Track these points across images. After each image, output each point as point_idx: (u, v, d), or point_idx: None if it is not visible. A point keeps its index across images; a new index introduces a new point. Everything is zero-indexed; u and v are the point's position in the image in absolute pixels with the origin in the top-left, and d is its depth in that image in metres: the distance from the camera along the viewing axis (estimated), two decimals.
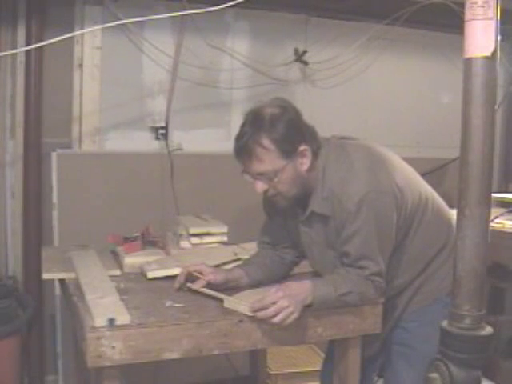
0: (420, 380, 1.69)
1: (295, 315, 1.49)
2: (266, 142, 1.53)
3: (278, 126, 1.54)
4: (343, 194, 1.57)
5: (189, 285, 1.68)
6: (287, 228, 1.82)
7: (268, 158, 1.54)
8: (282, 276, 1.83)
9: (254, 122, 1.55)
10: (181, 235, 2.08)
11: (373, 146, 1.70)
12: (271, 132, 1.53)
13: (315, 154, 1.61)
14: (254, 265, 1.79)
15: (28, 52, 2.46)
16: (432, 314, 1.73)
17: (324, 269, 1.75)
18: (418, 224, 1.71)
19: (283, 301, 1.47)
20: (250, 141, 1.53)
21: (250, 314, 1.49)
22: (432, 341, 1.73)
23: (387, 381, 1.87)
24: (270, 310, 1.46)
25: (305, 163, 1.58)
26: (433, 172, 3.02)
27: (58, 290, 2.51)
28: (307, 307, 1.55)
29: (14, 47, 2.46)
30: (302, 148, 1.56)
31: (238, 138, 1.57)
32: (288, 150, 1.55)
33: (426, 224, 1.72)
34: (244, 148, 1.55)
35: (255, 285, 1.73)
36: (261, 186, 1.58)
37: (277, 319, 1.46)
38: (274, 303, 1.47)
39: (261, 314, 1.47)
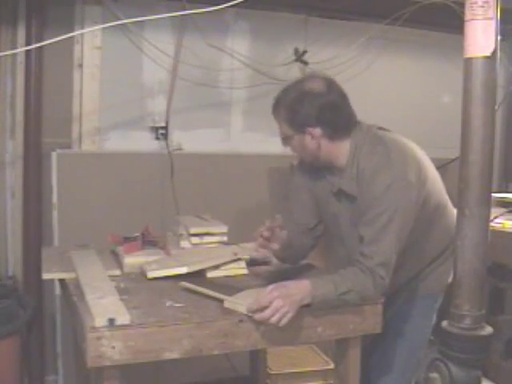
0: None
1: (290, 315, 1.49)
2: (281, 110, 1.72)
3: (296, 102, 1.68)
4: (374, 179, 1.64)
5: (182, 283, 1.69)
6: (316, 198, 1.87)
7: (281, 123, 1.73)
8: (303, 256, 1.93)
9: (285, 92, 1.73)
10: (181, 235, 2.07)
11: (408, 143, 1.78)
12: (288, 105, 1.70)
13: (331, 139, 1.70)
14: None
15: (28, 52, 2.46)
16: (423, 310, 1.87)
17: (348, 241, 1.79)
18: (436, 222, 1.80)
19: (278, 301, 1.47)
20: (274, 104, 1.74)
21: (250, 314, 1.49)
22: (420, 329, 1.90)
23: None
24: (267, 312, 1.47)
25: (312, 143, 1.70)
26: None
27: (58, 290, 2.51)
28: (306, 306, 1.55)
29: (14, 47, 2.46)
30: (310, 129, 1.68)
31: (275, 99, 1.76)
32: (296, 125, 1.69)
33: (441, 224, 1.81)
34: (273, 108, 1.75)
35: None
36: (283, 143, 1.79)
37: (273, 320, 1.47)
38: (270, 303, 1.47)
39: (257, 316, 1.48)
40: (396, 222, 1.61)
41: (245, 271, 1.90)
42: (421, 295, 1.87)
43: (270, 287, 1.52)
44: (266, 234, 1.68)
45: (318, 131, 1.68)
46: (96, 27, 2.54)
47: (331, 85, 1.70)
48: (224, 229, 2.07)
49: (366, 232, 1.64)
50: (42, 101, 2.56)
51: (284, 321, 1.48)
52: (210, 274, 1.83)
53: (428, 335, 1.92)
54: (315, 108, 1.65)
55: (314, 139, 1.69)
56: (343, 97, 1.71)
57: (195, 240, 2.03)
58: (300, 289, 1.55)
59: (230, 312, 1.52)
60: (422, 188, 1.69)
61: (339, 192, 1.76)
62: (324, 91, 1.67)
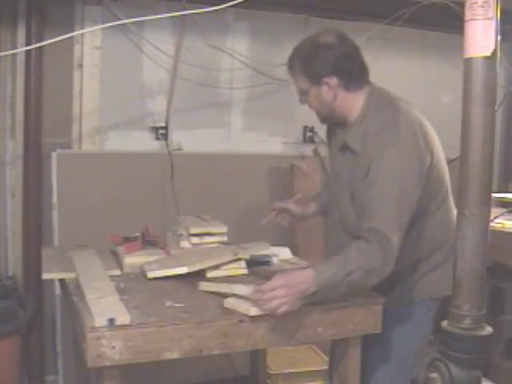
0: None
1: (286, 307, 1.46)
2: (297, 63, 1.77)
3: (311, 55, 1.73)
4: (377, 137, 1.64)
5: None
6: (331, 153, 1.95)
7: (298, 77, 1.78)
8: None
9: (300, 46, 1.79)
10: (181, 235, 2.07)
11: (423, 119, 1.78)
12: (304, 58, 1.75)
13: (347, 88, 1.74)
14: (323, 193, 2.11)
15: (28, 52, 2.46)
16: (415, 317, 1.80)
17: (342, 205, 1.81)
18: (435, 209, 1.76)
19: (281, 289, 1.45)
20: (289, 60, 1.80)
21: (251, 314, 1.49)
22: (409, 337, 1.82)
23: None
24: (265, 296, 1.45)
25: (329, 94, 1.73)
26: None
27: (58, 290, 2.51)
28: (313, 297, 1.51)
29: (14, 47, 2.46)
30: (326, 79, 1.71)
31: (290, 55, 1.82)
32: (312, 77, 1.73)
33: (440, 214, 1.77)
34: (288, 64, 1.81)
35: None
36: (301, 100, 1.83)
37: (268, 306, 1.46)
38: (272, 289, 1.46)
39: (256, 295, 1.47)
40: (398, 184, 1.58)
41: (245, 271, 1.90)
42: (411, 301, 1.80)
43: (278, 274, 1.50)
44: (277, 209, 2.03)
45: (334, 81, 1.71)
46: (96, 27, 2.54)
47: (343, 37, 1.75)
48: (224, 229, 2.07)
49: (367, 195, 1.61)
50: (42, 101, 2.56)
51: (279, 311, 1.46)
52: (210, 274, 1.83)
53: (420, 343, 1.84)
54: (330, 58, 1.70)
55: (331, 89, 1.72)
56: (356, 48, 1.76)
57: (195, 240, 2.02)
58: (304, 277, 1.51)
59: (230, 312, 1.52)
60: (426, 161, 1.65)
61: (344, 147, 1.77)
62: (337, 43, 1.72)
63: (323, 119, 1.86)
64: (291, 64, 1.80)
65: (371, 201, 1.60)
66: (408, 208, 1.60)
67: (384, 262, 1.55)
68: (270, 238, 2.18)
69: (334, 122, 1.84)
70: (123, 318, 1.38)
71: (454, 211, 1.77)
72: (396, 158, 1.59)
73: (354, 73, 1.74)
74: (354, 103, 1.75)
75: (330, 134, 1.96)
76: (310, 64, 1.73)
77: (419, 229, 1.73)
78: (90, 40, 2.64)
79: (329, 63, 1.70)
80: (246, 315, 1.49)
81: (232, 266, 1.88)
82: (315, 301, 1.54)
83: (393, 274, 1.64)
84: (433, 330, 1.86)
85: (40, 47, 2.35)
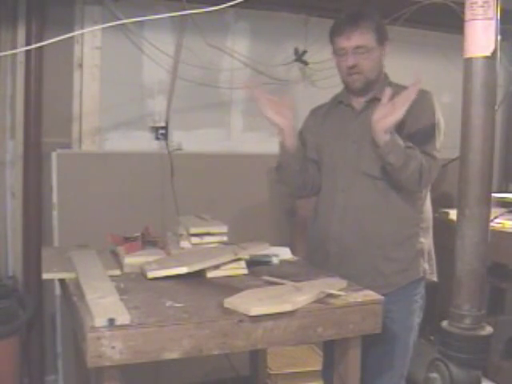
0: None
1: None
2: (370, 23, 1.89)
3: (378, 19, 1.93)
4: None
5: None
6: (321, 140, 2.06)
7: (367, 35, 1.88)
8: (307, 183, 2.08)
9: (369, 10, 1.94)
10: (181, 235, 2.07)
11: None
12: (378, 20, 1.93)
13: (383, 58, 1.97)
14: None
15: (28, 52, 2.46)
16: (408, 303, 1.93)
17: (367, 167, 1.92)
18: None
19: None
20: (362, 16, 1.89)
21: (251, 314, 1.49)
22: (411, 327, 1.92)
23: None
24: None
25: (382, 56, 1.94)
26: None
27: (58, 290, 2.51)
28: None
29: (14, 47, 2.46)
30: (386, 43, 1.93)
31: (351, 13, 1.92)
32: (380, 39, 1.91)
33: (428, 198, 1.98)
34: (355, 19, 1.88)
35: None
36: (352, 59, 1.89)
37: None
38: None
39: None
40: (439, 128, 1.90)
41: (245, 271, 1.89)
42: (403, 282, 1.91)
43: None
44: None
45: (388, 47, 1.94)
46: (96, 27, 2.54)
47: None
48: (224, 229, 2.07)
49: (420, 128, 1.87)
50: (42, 101, 2.56)
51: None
52: (210, 274, 1.83)
53: (416, 332, 1.93)
54: (383, 25, 1.94)
55: (384, 53, 1.94)
56: None
57: (195, 240, 2.02)
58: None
59: (230, 312, 1.52)
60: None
61: (369, 104, 1.93)
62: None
63: (363, 85, 1.93)
64: (362, 17, 1.88)
65: (424, 134, 1.88)
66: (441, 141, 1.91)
67: (430, 170, 1.84)
68: (270, 238, 2.18)
69: (363, 91, 1.95)
70: (123, 318, 1.38)
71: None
72: (435, 108, 1.97)
73: None
74: (382, 72, 1.99)
75: (318, 117, 2.14)
76: (381, 25, 1.92)
77: (423, 197, 1.94)
78: (90, 40, 2.64)
79: (385, 31, 1.93)
80: (246, 315, 1.49)
81: (232, 266, 1.88)
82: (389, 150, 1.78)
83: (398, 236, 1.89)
84: (434, 330, 1.88)
85: (40, 47, 2.35)
